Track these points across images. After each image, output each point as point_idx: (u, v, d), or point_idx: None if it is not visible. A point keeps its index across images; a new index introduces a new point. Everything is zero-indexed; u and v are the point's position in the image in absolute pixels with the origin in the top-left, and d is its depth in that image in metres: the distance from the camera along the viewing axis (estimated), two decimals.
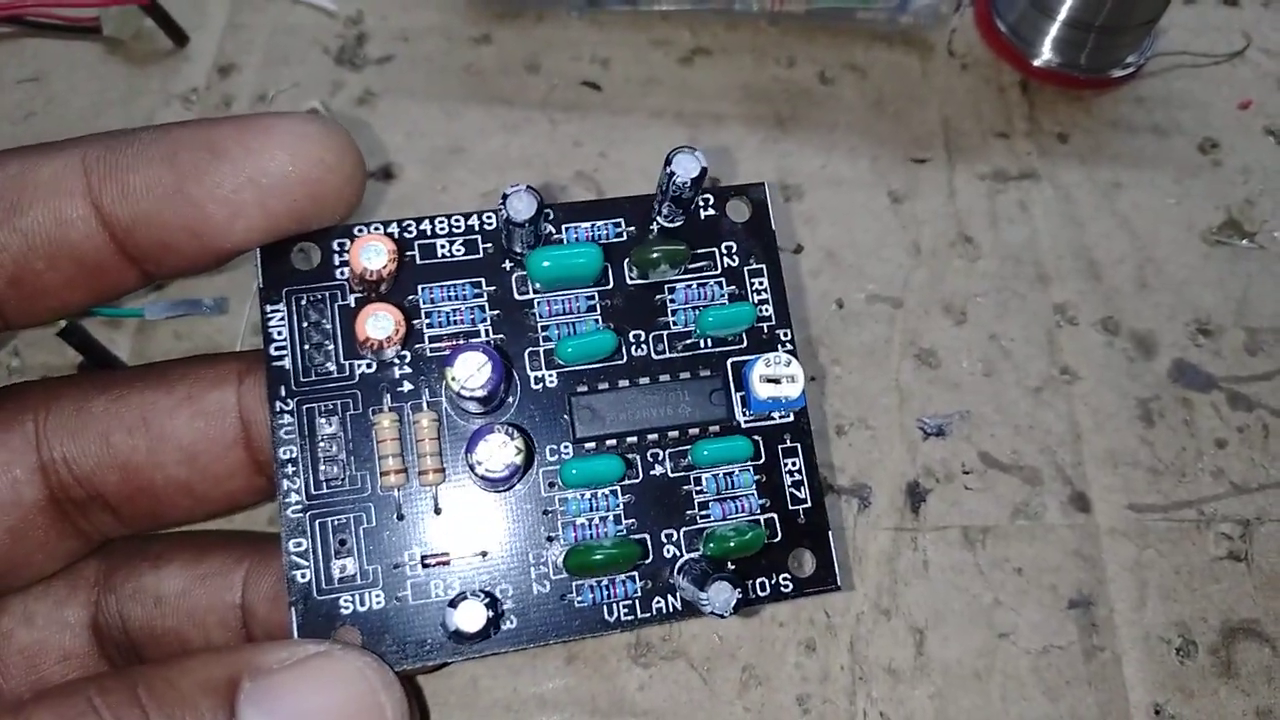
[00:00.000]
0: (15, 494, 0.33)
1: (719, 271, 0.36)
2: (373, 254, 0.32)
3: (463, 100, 0.56)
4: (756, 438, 0.35)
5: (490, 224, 0.35)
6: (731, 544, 0.33)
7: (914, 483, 0.47)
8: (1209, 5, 0.63)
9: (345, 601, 0.32)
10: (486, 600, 0.31)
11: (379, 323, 0.32)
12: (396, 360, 0.34)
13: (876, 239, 0.54)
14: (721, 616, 0.31)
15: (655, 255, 0.35)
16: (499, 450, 0.31)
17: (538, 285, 0.35)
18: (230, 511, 0.37)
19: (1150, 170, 0.57)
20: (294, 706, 0.28)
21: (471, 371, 0.31)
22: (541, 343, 0.35)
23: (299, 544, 0.32)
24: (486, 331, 0.34)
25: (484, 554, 0.33)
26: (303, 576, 0.32)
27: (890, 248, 0.53)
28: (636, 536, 0.34)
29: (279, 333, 0.33)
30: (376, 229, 0.34)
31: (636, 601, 0.34)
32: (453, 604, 0.31)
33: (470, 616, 0.31)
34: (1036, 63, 0.59)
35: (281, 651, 0.30)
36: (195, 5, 0.58)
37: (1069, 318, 0.52)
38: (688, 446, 0.35)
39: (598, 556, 0.32)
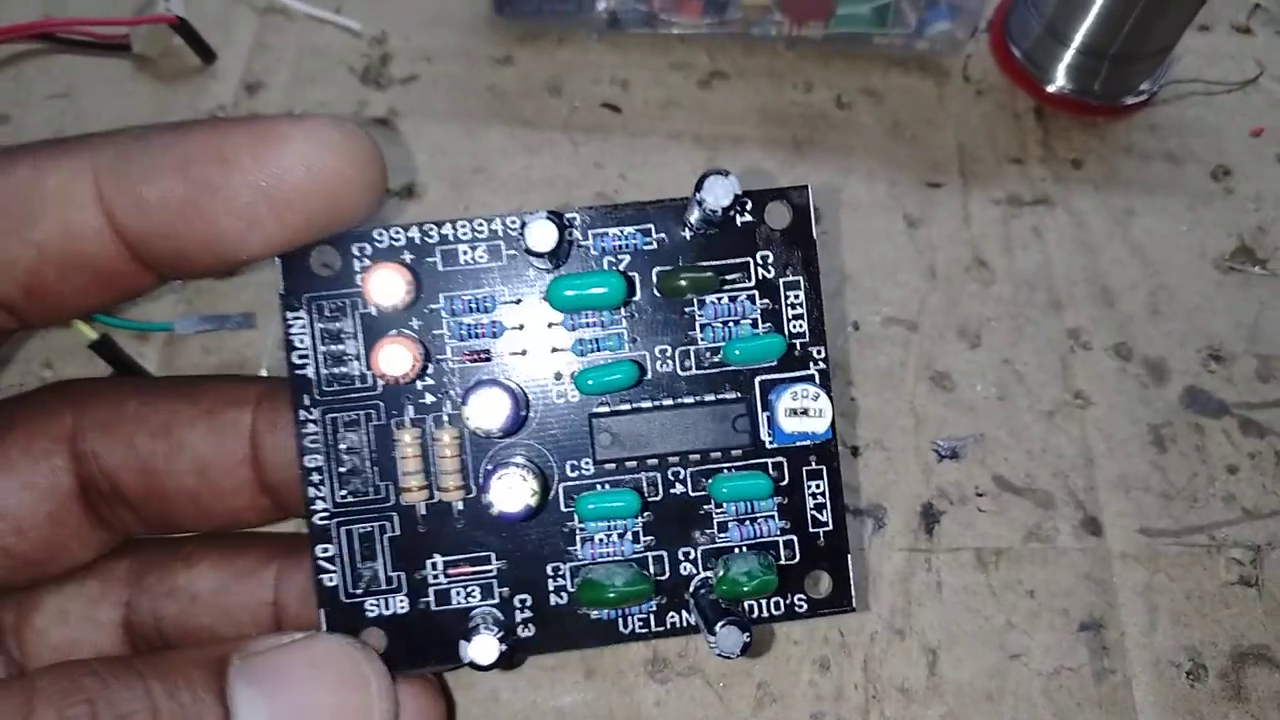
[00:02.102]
0: (54, 480, 0.35)
1: (752, 284, 0.34)
2: (386, 288, 0.31)
3: (485, 120, 0.57)
4: (780, 459, 0.35)
5: (514, 228, 0.34)
6: (744, 589, 0.33)
7: (928, 504, 0.48)
8: (1222, 33, 0.64)
9: (371, 605, 0.33)
10: (500, 633, 0.32)
11: (393, 358, 0.31)
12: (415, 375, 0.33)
13: (892, 262, 0.54)
14: (728, 658, 0.31)
15: (683, 283, 0.33)
16: (513, 492, 0.32)
17: (560, 310, 0.34)
18: (235, 528, 0.38)
19: (1163, 197, 0.57)
20: (281, 678, 0.30)
21: (486, 412, 0.31)
22: (565, 357, 0.34)
23: (326, 549, 0.33)
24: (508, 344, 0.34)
25: (504, 564, 0.34)
26: (330, 581, 0.33)
27: (905, 271, 0.54)
28: (655, 554, 0.34)
29: (301, 340, 0.33)
30: (398, 235, 0.33)
31: (652, 616, 0.34)
32: (466, 636, 0.32)
33: (484, 650, 0.32)
34: (1051, 89, 0.60)
35: (269, 639, 0.31)
36: (223, 24, 0.59)
37: (1082, 343, 0.53)
38: (710, 468, 0.35)
39: (611, 595, 0.33)
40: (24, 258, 0.30)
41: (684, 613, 0.34)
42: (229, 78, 0.58)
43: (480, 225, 0.33)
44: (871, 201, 0.56)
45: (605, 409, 0.34)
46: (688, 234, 0.34)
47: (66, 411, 0.35)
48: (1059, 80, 0.60)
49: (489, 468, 0.33)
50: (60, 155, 0.30)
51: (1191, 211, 0.57)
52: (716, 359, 0.34)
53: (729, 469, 0.35)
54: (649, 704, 0.43)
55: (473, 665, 0.31)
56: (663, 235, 0.34)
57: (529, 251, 0.31)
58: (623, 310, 0.34)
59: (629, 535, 0.34)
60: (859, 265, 0.54)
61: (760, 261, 0.34)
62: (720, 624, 0.31)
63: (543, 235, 0.31)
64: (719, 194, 0.31)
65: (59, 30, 0.57)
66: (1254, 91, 0.62)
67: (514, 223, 0.33)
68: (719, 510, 0.35)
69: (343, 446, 0.33)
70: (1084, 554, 0.47)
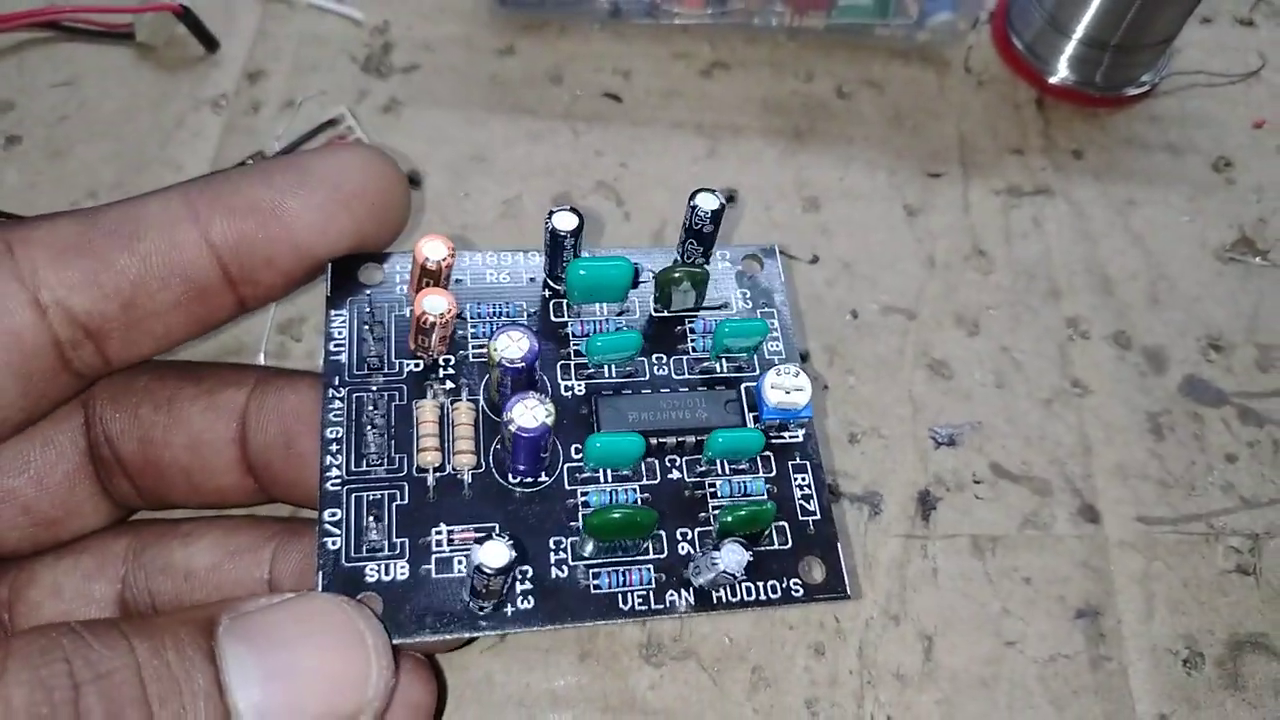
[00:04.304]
0: (73, 439, 0.37)
1: (735, 311, 0.40)
2: (434, 248, 0.35)
3: (486, 109, 0.57)
4: (767, 454, 0.37)
5: (534, 260, 0.39)
6: (743, 513, 0.34)
7: (925, 491, 0.48)
8: (1224, 25, 0.64)
9: (371, 570, 0.33)
10: (511, 542, 0.32)
11: (434, 302, 0.34)
12: (442, 363, 0.37)
13: (891, 251, 0.54)
14: (734, 577, 0.33)
15: (678, 274, 0.38)
16: (532, 410, 0.33)
17: (575, 294, 0.38)
18: (224, 506, 0.40)
19: (1164, 188, 0.57)
20: (273, 635, 0.29)
21: (511, 344, 0.33)
22: (573, 357, 0.38)
23: (334, 514, 0.34)
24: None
25: (507, 535, 0.34)
26: (333, 544, 0.33)
27: (905, 260, 0.54)
28: (652, 534, 0.35)
29: (339, 332, 0.37)
30: None
31: (651, 592, 0.35)
32: (479, 543, 0.32)
33: (494, 554, 0.31)
34: (1052, 80, 0.60)
35: (261, 599, 0.31)
36: (226, 13, 0.59)
37: (1081, 331, 0.52)
38: (703, 454, 0.37)
39: (616, 515, 0.34)
40: (130, 268, 0.33)
41: (683, 591, 0.35)
42: (231, 66, 0.58)
43: (506, 257, 0.40)
44: (871, 190, 0.56)
45: (610, 393, 0.37)
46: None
47: None
48: (1060, 71, 0.59)
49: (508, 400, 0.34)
50: (156, 192, 0.34)
51: (1192, 202, 0.57)
52: (706, 365, 0.39)
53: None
54: (643, 687, 0.43)
55: (480, 570, 0.31)
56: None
57: (554, 235, 0.36)
58: (625, 323, 0.39)
59: None
60: (858, 253, 0.54)
61: (740, 296, 0.41)
62: (725, 542, 0.33)
63: (566, 221, 0.36)
64: (708, 200, 0.37)
65: (63, 18, 0.57)
66: (1256, 83, 0.62)
67: (534, 256, 0.40)
68: (714, 496, 0.36)
69: (364, 418, 0.35)
70: (1081, 541, 0.47)
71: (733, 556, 0.33)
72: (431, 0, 0.61)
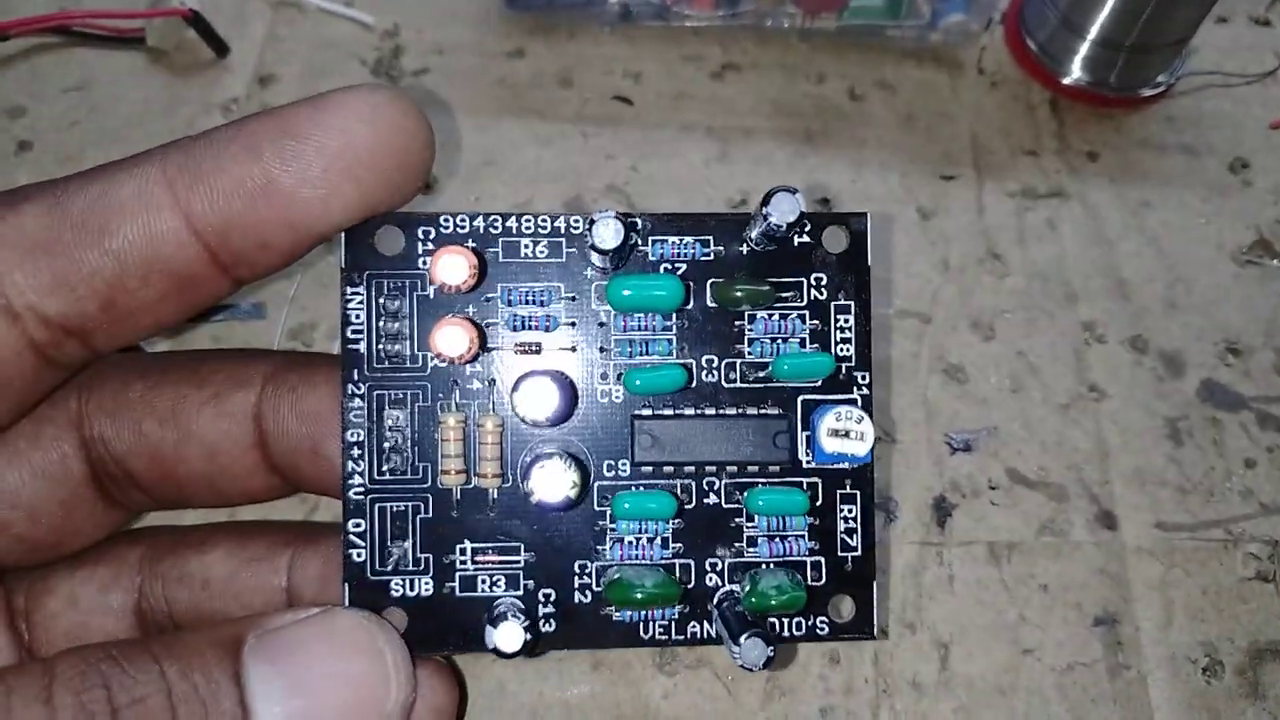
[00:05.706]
0: (65, 468, 0.35)
1: (804, 304, 0.35)
2: (452, 268, 0.31)
3: (496, 113, 0.57)
4: (815, 479, 0.35)
5: (576, 228, 0.34)
6: (772, 602, 0.33)
7: (940, 497, 0.48)
8: (1241, 25, 0.63)
9: (395, 585, 0.33)
10: (526, 623, 0.32)
11: (451, 339, 0.32)
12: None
13: (905, 255, 0.54)
14: (750, 671, 0.32)
15: (739, 294, 0.34)
16: (554, 481, 0.32)
17: (618, 310, 0.34)
18: (249, 503, 0.39)
19: (1180, 189, 0.57)
20: (296, 652, 0.30)
21: (537, 402, 0.31)
22: (614, 357, 0.34)
23: (358, 525, 0.33)
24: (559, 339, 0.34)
25: (532, 556, 0.34)
26: (358, 556, 0.33)
27: (919, 264, 0.54)
28: (682, 562, 0.34)
29: (357, 316, 0.33)
30: (463, 221, 0.33)
31: (673, 624, 0.34)
32: (493, 622, 0.32)
33: (509, 637, 0.32)
34: (1066, 81, 0.59)
35: (285, 615, 0.31)
36: (236, 17, 0.59)
37: (1097, 336, 0.52)
38: (745, 481, 0.35)
39: (639, 595, 0.33)
40: (104, 269, 0.30)
41: (705, 623, 0.34)
42: (242, 70, 0.58)
43: (544, 221, 0.34)
44: (884, 193, 0.56)
45: (648, 411, 0.34)
46: (745, 249, 0.35)
47: (71, 397, 0.35)
48: (1074, 72, 0.59)
49: (528, 459, 0.33)
50: (130, 166, 0.30)
51: (1208, 204, 0.57)
52: (762, 374, 0.35)
53: (765, 483, 0.35)
54: (657, 697, 0.43)
55: (496, 652, 0.31)
56: (720, 248, 0.34)
57: (593, 248, 0.32)
58: (674, 316, 0.34)
59: (659, 540, 0.35)
60: (872, 257, 0.54)
61: (814, 283, 0.35)
62: (745, 636, 0.31)
63: (609, 232, 0.31)
64: (785, 209, 0.32)
65: (75, 23, 0.57)
66: (1272, 84, 0.61)
67: (577, 222, 0.34)
68: (750, 525, 0.35)
69: (386, 424, 0.33)
70: (1098, 548, 0.47)
71: (752, 653, 0.31)
72: (441, 3, 0.61)
